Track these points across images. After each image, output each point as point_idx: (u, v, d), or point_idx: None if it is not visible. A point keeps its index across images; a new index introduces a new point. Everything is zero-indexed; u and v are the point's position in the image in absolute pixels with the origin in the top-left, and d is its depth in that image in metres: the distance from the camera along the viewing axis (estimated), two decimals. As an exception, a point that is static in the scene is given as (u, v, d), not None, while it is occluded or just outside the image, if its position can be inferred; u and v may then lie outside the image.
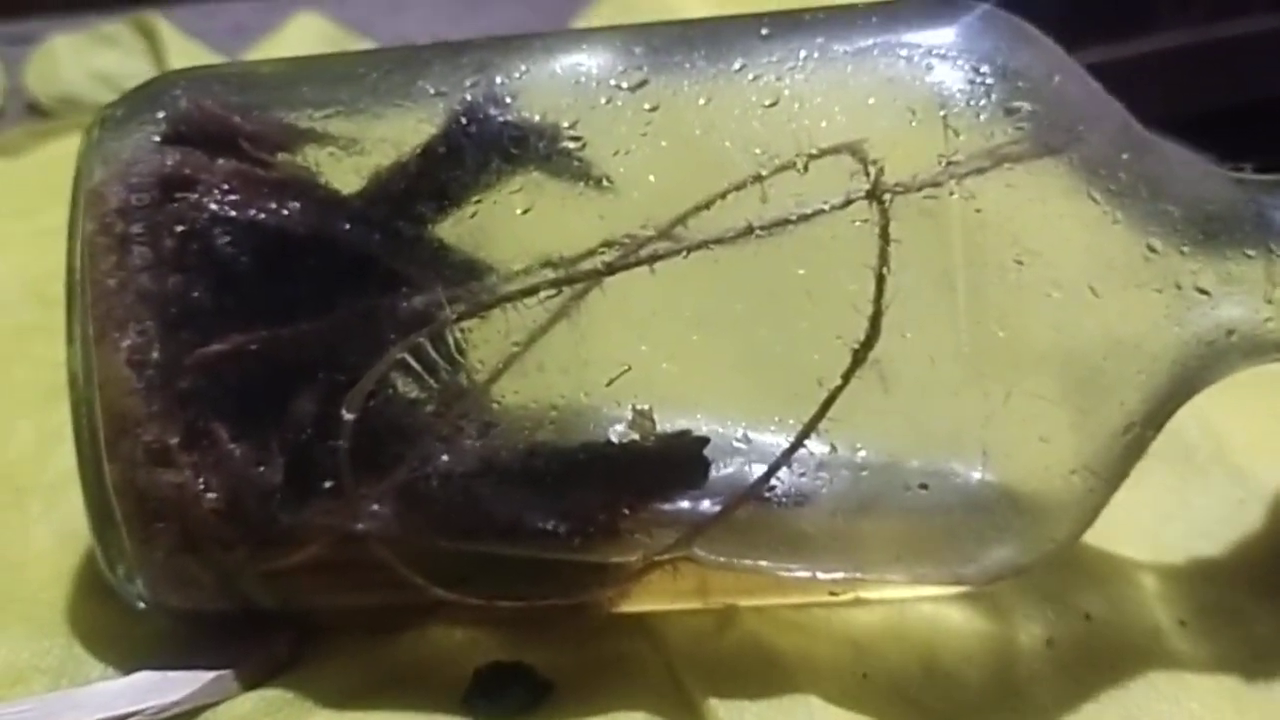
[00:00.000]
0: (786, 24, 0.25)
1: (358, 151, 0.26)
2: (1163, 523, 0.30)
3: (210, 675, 0.26)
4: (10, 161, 0.47)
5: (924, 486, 0.24)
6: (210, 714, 0.26)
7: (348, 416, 0.24)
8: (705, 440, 0.24)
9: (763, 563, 0.25)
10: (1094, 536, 0.26)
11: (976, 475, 0.24)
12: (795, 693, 0.25)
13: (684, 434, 0.24)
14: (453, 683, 0.26)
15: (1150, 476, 0.30)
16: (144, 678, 0.26)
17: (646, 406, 0.24)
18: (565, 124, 0.25)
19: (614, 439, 0.24)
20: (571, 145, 0.25)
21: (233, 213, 0.25)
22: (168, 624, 0.27)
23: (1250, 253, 0.24)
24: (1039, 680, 0.26)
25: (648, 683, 0.26)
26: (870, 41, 0.25)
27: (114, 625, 0.28)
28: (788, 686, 0.25)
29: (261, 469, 0.25)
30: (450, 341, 0.25)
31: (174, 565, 0.25)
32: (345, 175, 0.25)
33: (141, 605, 0.26)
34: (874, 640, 0.27)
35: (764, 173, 0.24)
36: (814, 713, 0.25)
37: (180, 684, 0.26)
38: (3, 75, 0.52)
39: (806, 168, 0.24)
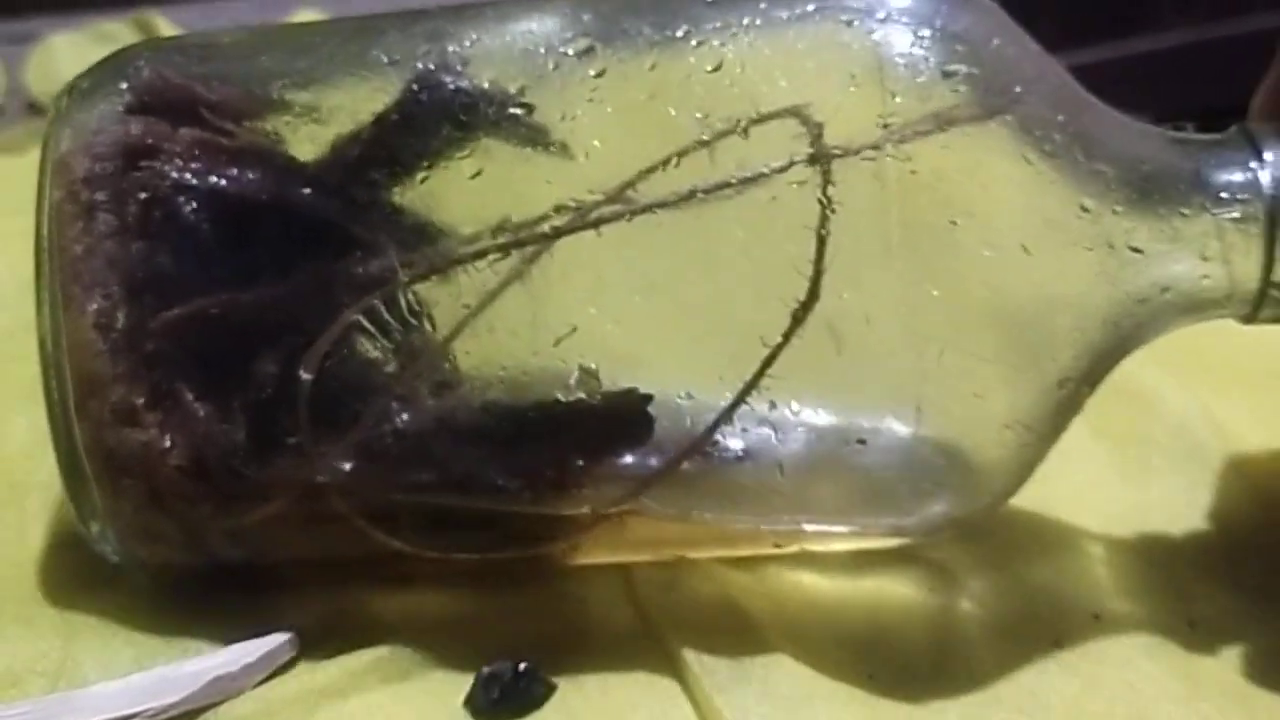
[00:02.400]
0: (731, -10, 0.26)
1: (315, 120, 0.26)
2: (1171, 522, 0.31)
3: (210, 676, 0.26)
4: (12, 159, 0.47)
5: (862, 442, 0.25)
6: (211, 715, 0.26)
7: (305, 376, 0.25)
8: (649, 398, 0.25)
9: (708, 515, 0.26)
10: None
11: (912, 431, 0.25)
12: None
13: (629, 392, 0.25)
14: (456, 684, 0.26)
15: (1161, 478, 0.32)
16: (143, 679, 0.26)
17: (593, 366, 0.25)
18: (514, 90, 0.25)
19: (562, 397, 0.25)
20: (519, 112, 0.25)
21: (194, 180, 0.26)
22: (169, 625, 0.27)
23: (1186, 211, 0.25)
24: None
25: (651, 685, 0.26)
26: (812, 6, 0.25)
27: (113, 627, 0.27)
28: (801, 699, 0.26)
29: (224, 427, 0.26)
30: (405, 304, 0.25)
31: (142, 520, 0.26)
32: (303, 143, 0.26)
33: (115, 559, 0.27)
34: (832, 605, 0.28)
35: (707, 137, 0.25)
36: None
37: (180, 684, 0.26)
38: (3, 74, 0.52)
39: (748, 132, 0.24)
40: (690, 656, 0.26)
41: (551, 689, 0.26)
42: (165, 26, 0.51)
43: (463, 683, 0.26)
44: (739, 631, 0.27)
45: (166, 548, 0.27)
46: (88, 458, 0.26)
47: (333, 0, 0.57)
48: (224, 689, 0.26)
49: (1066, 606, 0.28)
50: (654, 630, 0.27)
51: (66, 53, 0.52)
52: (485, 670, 0.26)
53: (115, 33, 0.53)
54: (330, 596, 0.28)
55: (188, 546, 0.27)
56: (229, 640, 0.27)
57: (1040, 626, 0.27)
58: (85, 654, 0.27)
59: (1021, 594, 0.28)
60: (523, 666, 0.26)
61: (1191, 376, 0.35)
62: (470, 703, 0.26)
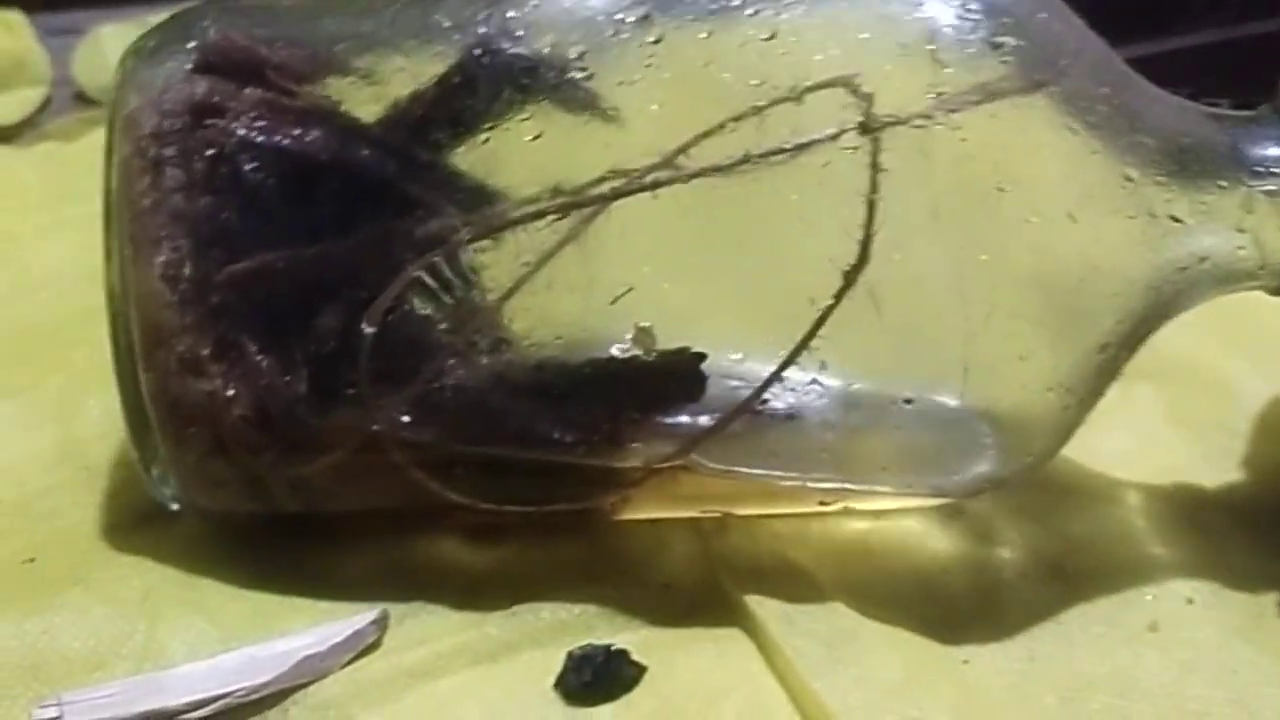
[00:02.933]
0: (785, -39, 0.27)
1: (376, 82, 0.27)
2: (1259, 508, 0.31)
3: (299, 656, 0.26)
4: (63, 146, 0.48)
5: (909, 402, 0.26)
6: (300, 695, 0.26)
7: (367, 330, 0.26)
8: (702, 356, 0.26)
9: (756, 472, 0.27)
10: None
11: (958, 392, 0.25)
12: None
13: (683, 350, 0.26)
14: (544, 665, 0.26)
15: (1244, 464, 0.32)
16: (231, 659, 0.26)
17: (648, 324, 0.26)
18: (573, 56, 0.26)
19: (617, 354, 0.26)
20: (579, 76, 0.26)
21: (259, 138, 0.26)
22: (252, 605, 0.27)
23: (1223, 184, 0.25)
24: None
25: (744, 669, 0.26)
26: (864, -22, 0.26)
27: (196, 607, 0.28)
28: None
29: (287, 379, 0.26)
30: (464, 262, 0.26)
31: (205, 468, 0.27)
32: (364, 105, 0.27)
33: (175, 506, 0.28)
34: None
35: (762, 104, 0.25)
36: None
37: (269, 665, 0.26)
38: (49, 66, 0.52)
39: (802, 99, 0.25)
40: (780, 638, 0.26)
41: (642, 671, 0.26)
42: None
43: (551, 664, 0.26)
44: (829, 616, 0.27)
45: (228, 495, 0.28)
46: (152, 406, 0.27)
47: None
48: (313, 669, 0.26)
49: (1160, 590, 0.28)
50: (740, 609, 0.28)
51: (114, 44, 0.52)
52: (576, 651, 0.26)
53: None
54: (404, 559, 0.28)
55: (249, 495, 0.27)
56: (313, 621, 0.27)
57: (1133, 609, 0.28)
58: (170, 635, 0.27)
59: (1116, 578, 0.29)
60: (614, 648, 0.26)
61: (1272, 365, 0.35)
62: (560, 685, 0.26)
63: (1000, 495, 0.30)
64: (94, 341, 0.35)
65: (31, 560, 0.29)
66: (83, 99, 0.51)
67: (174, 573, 0.28)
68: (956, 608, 0.28)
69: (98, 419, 0.33)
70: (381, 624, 0.27)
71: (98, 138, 0.47)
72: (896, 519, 0.30)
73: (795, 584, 0.28)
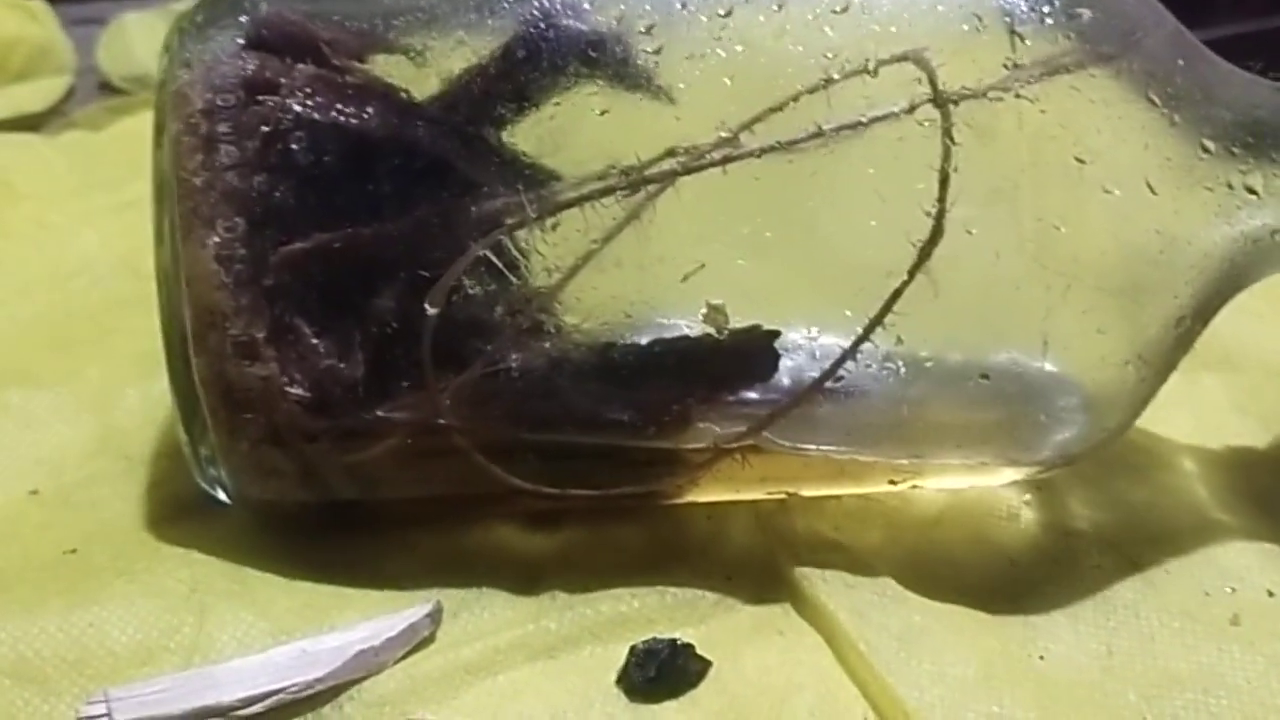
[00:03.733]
0: (853, -65, 0.26)
1: (432, 58, 0.26)
2: None
3: (353, 650, 0.25)
4: (91, 135, 0.47)
5: (985, 377, 0.25)
6: (355, 691, 0.25)
7: (431, 311, 0.25)
8: (776, 334, 0.25)
9: (829, 450, 0.26)
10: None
11: (1036, 365, 0.25)
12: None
13: (755, 328, 0.25)
14: (605, 660, 0.26)
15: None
16: (285, 653, 0.25)
17: (720, 301, 0.25)
18: (641, 29, 0.26)
19: (688, 332, 0.25)
20: (648, 50, 0.25)
21: (315, 115, 0.26)
22: (302, 597, 0.27)
23: (1295, 157, 0.25)
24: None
25: (814, 664, 0.26)
26: (934, -48, 0.26)
27: (245, 599, 0.27)
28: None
29: (344, 363, 0.26)
30: (529, 241, 0.25)
31: (258, 456, 0.26)
32: (422, 81, 0.26)
33: (224, 499, 0.27)
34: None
35: (835, 77, 0.25)
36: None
37: (322, 660, 0.25)
38: (74, 55, 0.52)
39: (876, 72, 0.25)
40: (852, 631, 0.26)
41: (707, 666, 0.25)
42: None
43: (612, 658, 0.25)
44: (900, 609, 0.27)
45: (281, 484, 0.27)
46: (205, 392, 0.26)
47: None
48: (367, 664, 0.25)
49: (1240, 584, 0.28)
50: (807, 601, 0.27)
51: (139, 32, 0.52)
52: (639, 646, 0.25)
53: None
54: (455, 549, 0.28)
55: (303, 483, 0.27)
56: (365, 614, 0.26)
57: (1214, 603, 0.27)
58: (219, 628, 0.26)
59: (1193, 570, 0.28)
60: (680, 642, 0.25)
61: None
62: (623, 681, 0.25)
63: (1071, 482, 0.30)
64: (131, 330, 0.34)
65: (73, 551, 0.28)
66: (107, 87, 0.51)
67: (220, 564, 0.27)
68: (1028, 600, 0.27)
69: (137, 408, 0.32)
70: (436, 617, 0.26)
71: (125, 127, 0.47)
72: (962, 508, 0.29)
73: (862, 574, 0.27)
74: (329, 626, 0.26)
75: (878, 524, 0.29)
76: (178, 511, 0.29)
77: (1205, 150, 0.25)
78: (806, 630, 0.27)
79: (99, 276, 0.38)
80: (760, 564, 0.28)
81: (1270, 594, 0.28)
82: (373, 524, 0.28)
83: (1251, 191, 0.25)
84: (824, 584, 0.27)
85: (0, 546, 0.28)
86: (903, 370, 0.25)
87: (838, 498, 0.29)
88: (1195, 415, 0.33)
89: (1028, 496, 0.30)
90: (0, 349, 0.35)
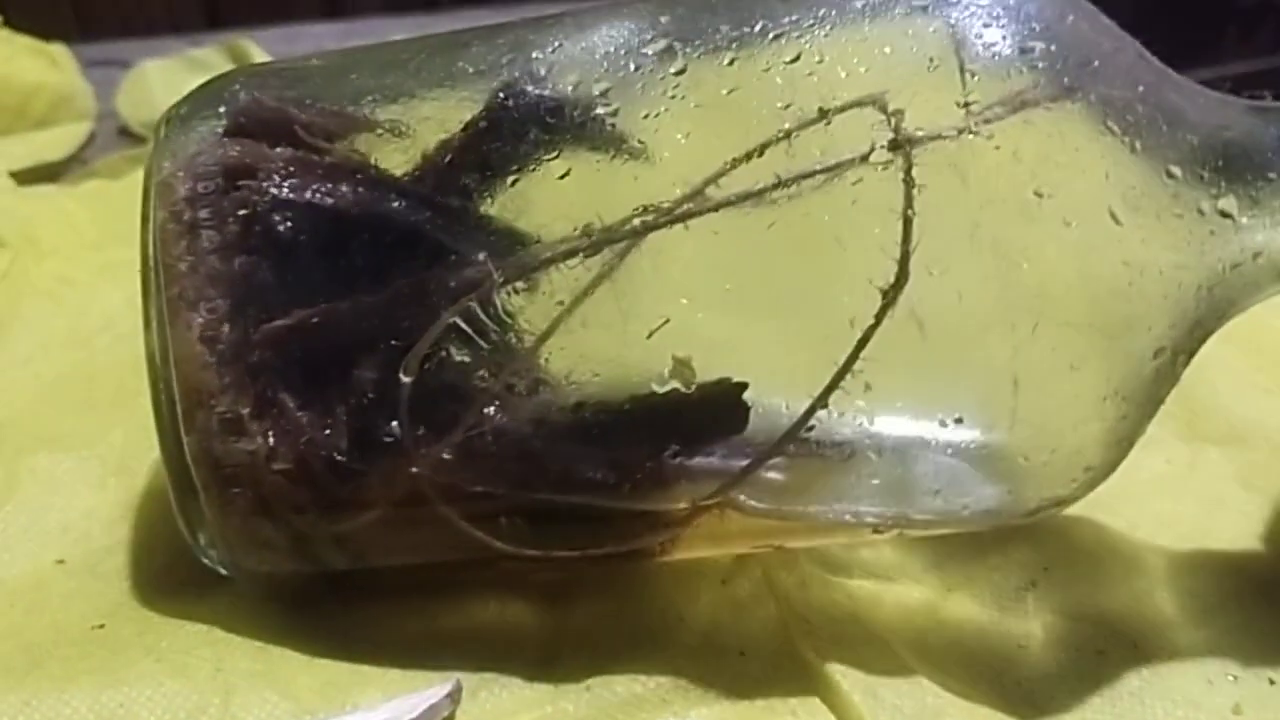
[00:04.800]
0: (804, -15, 0.26)
1: (404, 133, 0.27)
2: None
3: None
4: (111, 184, 0.48)
5: (959, 421, 0.25)
6: None
7: (405, 379, 0.26)
8: (744, 385, 0.25)
9: (810, 508, 0.26)
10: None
11: (1009, 407, 0.25)
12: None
13: (723, 381, 0.25)
14: None
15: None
16: None
17: (686, 355, 0.25)
18: (598, 92, 0.26)
19: (656, 389, 0.25)
20: (603, 113, 0.26)
21: (291, 196, 0.26)
22: (324, 675, 0.27)
23: (1272, 175, 0.25)
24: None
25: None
26: (884, -6, 0.26)
27: (267, 678, 0.27)
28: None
29: (327, 434, 0.26)
30: (498, 305, 0.26)
31: (250, 529, 0.27)
32: (393, 156, 0.27)
33: (223, 572, 0.28)
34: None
35: (790, 128, 0.25)
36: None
37: None
38: (93, 99, 0.53)
39: (830, 121, 0.25)
40: (866, 713, 0.26)
41: None
42: (256, 52, 0.52)
43: None
44: (913, 690, 0.27)
45: (274, 556, 0.27)
46: (195, 468, 0.26)
47: (426, 25, 0.57)
48: None
49: (1242, 672, 0.28)
50: (820, 679, 0.27)
51: (159, 79, 0.52)
52: None
53: (206, 59, 0.54)
54: (470, 623, 0.28)
55: (295, 554, 0.27)
56: (384, 691, 0.26)
57: (1217, 691, 0.27)
58: (243, 709, 0.26)
59: (1196, 658, 0.28)
60: None
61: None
62: None
63: (1071, 568, 0.30)
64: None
65: (101, 626, 0.28)
66: (127, 133, 0.51)
67: (242, 641, 0.28)
68: (1037, 684, 0.27)
69: (161, 473, 0.32)
70: (455, 697, 0.27)
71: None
72: (971, 588, 0.29)
73: (874, 652, 0.27)
74: (351, 706, 0.26)
75: (888, 601, 0.29)
76: (201, 584, 0.29)
77: (1171, 176, 0.24)
78: (819, 710, 0.26)
79: (122, 334, 0.38)
80: (773, 638, 0.28)
81: (1272, 682, 0.27)
82: (383, 596, 0.28)
83: (1225, 215, 0.24)
84: (838, 663, 0.27)
85: (30, 618, 0.29)
86: (874, 419, 0.25)
87: (848, 570, 0.29)
88: (1199, 490, 0.32)
89: (1034, 579, 0.30)
90: (25, 411, 0.35)
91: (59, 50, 0.54)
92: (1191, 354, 0.25)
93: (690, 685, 0.27)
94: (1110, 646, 0.28)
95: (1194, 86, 0.26)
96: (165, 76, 0.53)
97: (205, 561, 0.28)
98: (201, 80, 0.52)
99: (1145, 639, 0.28)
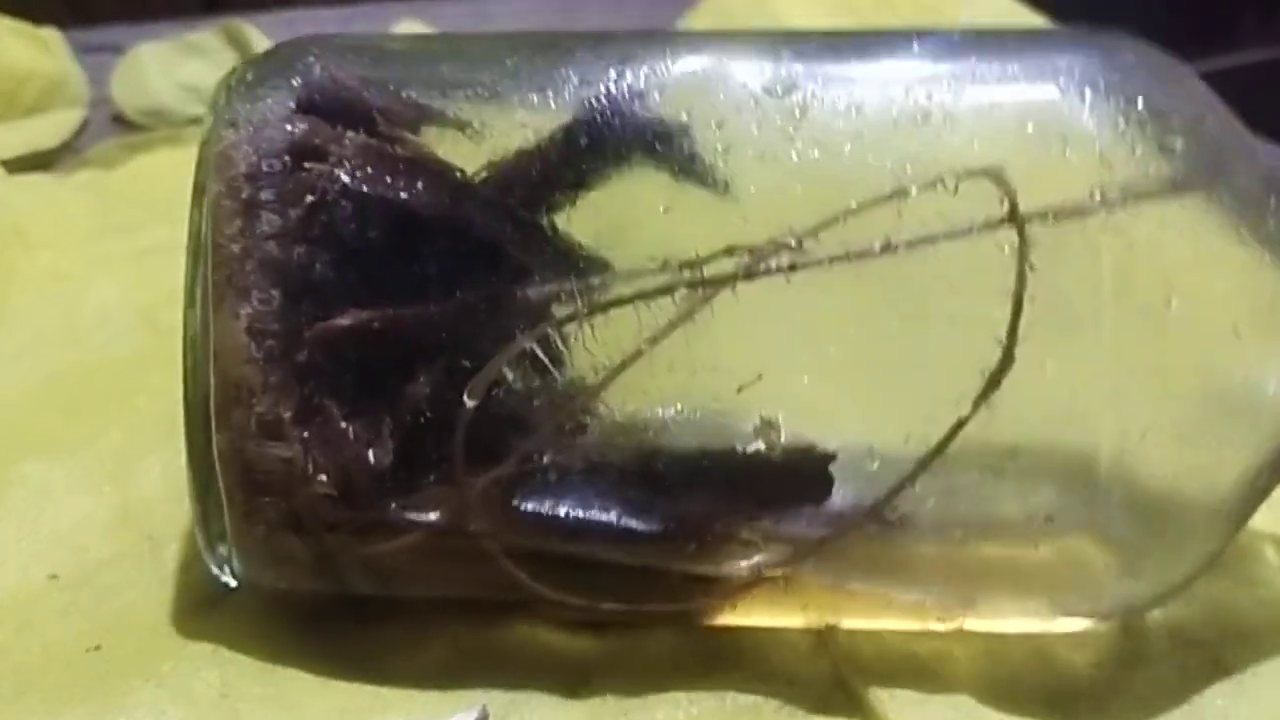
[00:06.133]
0: (937, 42, 0.25)
1: (489, 134, 0.25)
2: None
3: None
4: (106, 174, 0.45)
5: (1050, 519, 0.24)
6: None
7: (469, 403, 0.24)
8: (831, 457, 0.24)
9: (874, 590, 0.25)
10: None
11: (1102, 510, 0.24)
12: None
13: (810, 448, 0.24)
14: None
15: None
16: None
17: (774, 415, 0.24)
18: (712, 125, 0.24)
19: (740, 448, 0.24)
20: (717, 148, 0.24)
21: (364, 187, 0.24)
22: (337, 701, 0.25)
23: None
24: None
25: None
26: (1021, 66, 0.25)
27: (280, 706, 0.25)
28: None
29: (372, 450, 0.24)
30: (576, 335, 0.24)
31: (273, 541, 0.25)
32: (477, 158, 0.25)
33: (232, 584, 0.26)
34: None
35: (910, 188, 0.24)
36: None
37: None
38: (86, 85, 0.50)
39: (956, 188, 0.24)
40: None
41: None
42: (256, 36, 0.49)
43: None
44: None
45: (294, 572, 0.25)
46: (223, 470, 0.24)
47: (410, 13, 0.55)
48: None
49: None
50: (870, 711, 0.25)
51: (155, 65, 0.49)
52: None
53: (204, 43, 0.51)
54: (497, 645, 0.26)
55: (317, 573, 0.25)
56: (405, 717, 0.25)
57: None
58: None
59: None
60: None
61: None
62: None
63: None
64: (153, 390, 0.33)
65: (97, 648, 0.26)
66: (121, 120, 0.49)
67: (250, 662, 0.26)
68: (1112, 707, 0.25)
69: (159, 478, 0.30)
70: None
71: (140, 164, 0.46)
72: None
73: (932, 686, 0.25)
74: None
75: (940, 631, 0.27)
76: (203, 598, 0.27)
77: (1297, 297, 0.24)
78: None
79: (117, 331, 0.36)
80: (823, 668, 0.26)
81: None
82: (401, 615, 0.26)
83: (1342, 343, 0.24)
84: (891, 699, 0.25)
85: (20, 638, 0.26)
86: (962, 504, 0.24)
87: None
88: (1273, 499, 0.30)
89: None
90: (16, 413, 0.33)
91: (51, 35, 0.51)
92: (1281, 477, 0.25)
93: (736, 712, 0.25)
94: (1189, 661, 0.26)
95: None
96: (161, 61, 0.50)
97: (216, 573, 0.26)
98: (198, 64, 0.48)
99: (1225, 652, 0.26)
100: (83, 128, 0.49)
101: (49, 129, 0.47)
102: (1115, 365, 0.23)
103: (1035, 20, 0.52)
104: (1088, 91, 0.24)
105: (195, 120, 0.47)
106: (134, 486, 0.30)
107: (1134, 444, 0.23)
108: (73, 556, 0.28)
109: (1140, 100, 0.24)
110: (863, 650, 0.26)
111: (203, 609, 0.27)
